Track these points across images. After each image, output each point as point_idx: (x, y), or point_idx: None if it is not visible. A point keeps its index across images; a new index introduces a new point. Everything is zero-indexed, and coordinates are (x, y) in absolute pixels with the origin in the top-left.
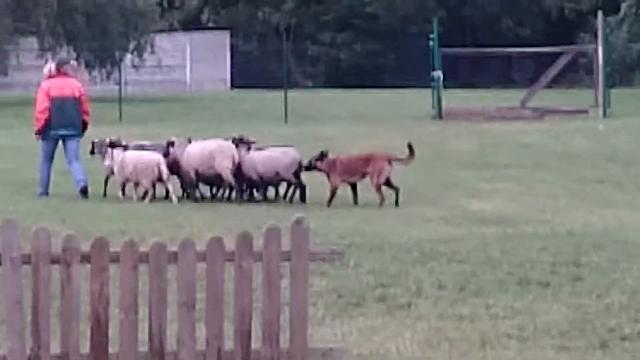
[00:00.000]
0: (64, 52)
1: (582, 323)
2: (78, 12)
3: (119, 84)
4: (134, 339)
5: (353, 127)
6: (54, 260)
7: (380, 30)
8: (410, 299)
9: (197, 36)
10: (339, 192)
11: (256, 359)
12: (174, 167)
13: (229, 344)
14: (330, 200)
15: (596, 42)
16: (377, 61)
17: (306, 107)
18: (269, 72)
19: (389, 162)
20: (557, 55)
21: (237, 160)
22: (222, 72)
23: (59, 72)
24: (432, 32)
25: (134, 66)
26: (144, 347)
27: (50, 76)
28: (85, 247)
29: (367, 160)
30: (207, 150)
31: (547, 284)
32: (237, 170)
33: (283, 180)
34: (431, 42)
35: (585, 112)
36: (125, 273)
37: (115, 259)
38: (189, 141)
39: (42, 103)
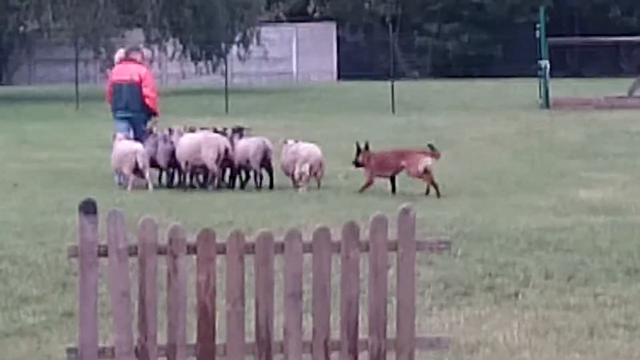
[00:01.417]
0: (170, 45)
1: None
2: (184, 5)
3: (225, 75)
4: (240, 330)
5: (460, 117)
6: (161, 252)
7: (487, 20)
8: (517, 289)
9: (303, 27)
10: (450, 182)
11: (363, 349)
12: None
13: (335, 334)
14: (362, 190)
15: None
16: (484, 51)
17: (413, 97)
18: (376, 63)
19: (425, 154)
20: None
21: (222, 150)
22: (328, 64)
23: (127, 58)
24: (539, 22)
25: (240, 58)
26: (250, 338)
27: (120, 61)
28: (192, 238)
29: (402, 154)
30: (195, 141)
31: None
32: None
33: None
34: (538, 32)
35: None
36: (231, 264)
37: (221, 250)
38: (191, 130)
39: (107, 87)
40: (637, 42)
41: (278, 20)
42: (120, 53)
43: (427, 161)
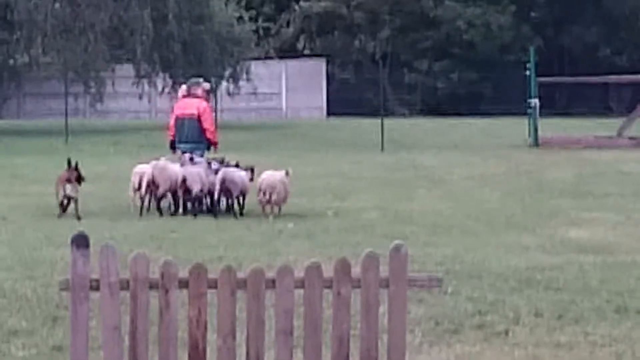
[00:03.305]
0: (160, 80)
1: None
2: (174, 40)
3: (215, 111)
4: None
5: (450, 156)
6: (152, 286)
7: (477, 58)
8: (507, 327)
9: (293, 64)
10: (440, 220)
11: None
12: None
13: None
14: None
15: None
16: (474, 89)
17: (403, 135)
18: (365, 100)
19: None
20: None
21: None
22: (318, 100)
23: (189, 93)
24: (529, 61)
25: (230, 93)
26: None
27: (183, 96)
28: (184, 273)
29: None
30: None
31: None
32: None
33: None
34: (528, 71)
35: None
36: (223, 299)
37: (213, 284)
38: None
39: (170, 121)
40: (626, 82)
41: (268, 57)
42: (183, 89)
43: None
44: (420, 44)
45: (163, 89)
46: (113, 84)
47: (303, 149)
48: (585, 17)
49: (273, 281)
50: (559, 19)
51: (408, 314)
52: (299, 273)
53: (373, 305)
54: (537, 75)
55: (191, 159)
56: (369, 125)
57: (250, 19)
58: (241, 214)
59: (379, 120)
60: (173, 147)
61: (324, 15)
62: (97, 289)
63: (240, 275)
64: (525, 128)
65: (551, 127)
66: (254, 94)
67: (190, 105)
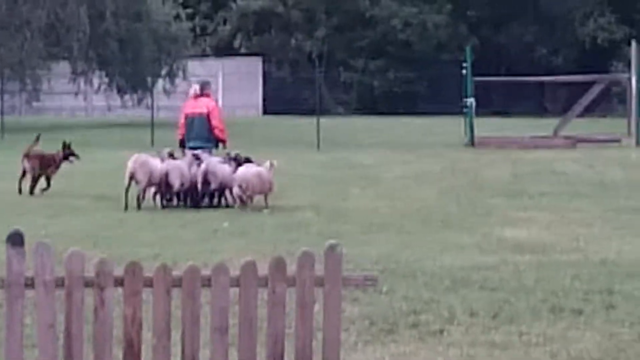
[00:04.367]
0: (96, 77)
1: (615, 351)
2: (111, 37)
3: (151, 109)
4: None
5: (386, 154)
6: (88, 284)
7: (413, 57)
8: (442, 326)
9: (230, 62)
10: (376, 219)
11: None
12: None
13: None
14: None
15: (629, 71)
16: (410, 88)
17: (338, 133)
18: (301, 98)
19: None
20: (591, 84)
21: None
22: (254, 99)
23: (202, 93)
24: (465, 60)
25: (166, 92)
26: None
27: (194, 97)
28: (119, 271)
29: None
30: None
31: (580, 312)
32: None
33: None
34: (464, 70)
35: (618, 141)
36: (158, 297)
37: (148, 283)
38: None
39: (180, 120)
40: (562, 82)
41: (204, 55)
42: (195, 89)
43: None
44: (357, 42)
45: (99, 86)
46: (49, 81)
47: (239, 147)
48: (522, 16)
49: (208, 279)
50: (496, 18)
51: (343, 312)
52: (235, 271)
53: (308, 304)
54: (474, 75)
55: (197, 158)
56: (305, 123)
57: (188, 17)
58: (219, 205)
59: (315, 119)
60: (183, 145)
61: (261, 13)
62: (32, 287)
63: (176, 273)
64: (461, 127)
65: (487, 126)
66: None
67: (200, 105)
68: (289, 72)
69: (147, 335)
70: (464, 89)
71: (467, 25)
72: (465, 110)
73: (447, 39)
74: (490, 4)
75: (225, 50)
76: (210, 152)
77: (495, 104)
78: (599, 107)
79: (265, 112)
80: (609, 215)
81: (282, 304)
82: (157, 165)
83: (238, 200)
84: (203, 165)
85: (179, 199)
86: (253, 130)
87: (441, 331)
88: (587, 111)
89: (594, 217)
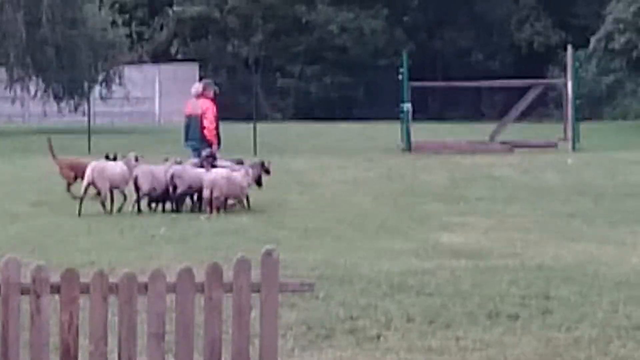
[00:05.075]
0: (32, 83)
1: (551, 356)
2: (47, 44)
3: (88, 115)
4: None
5: (322, 160)
6: (24, 291)
7: (350, 62)
8: (379, 331)
9: (166, 68)
10: (313, 224)
11: None
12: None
13: None
14: None
15: (565, 76)
16: (346, 94)
17: (275, 139)
18: (238, 104)
19: None
20: (527, 88)
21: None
22: None
23: (202, 94)
24: (402, 65)
25: (103, 98)
26: None
27: (196, 97)
28: (55, 277)
29: None
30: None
31: (517, 317)
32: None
33: None
34: (400, 75)
35: (554, 145)
36: (95, 304)
37: (85, 289)
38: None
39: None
40: (498, 87)
41: (141, 61)
42: (198, 88)
43: None
44: (293, 48)
45: (36, 92)
46: None
47: (176, 153)
48: (458, 21)
49: (145, 286)
50: (432, 23)
51: (280, 318)
52: (171, 278)
53: (244, 310)
54: (410, 80)
55: (212, 157)
56: (242, 129)
57: (124, 23)
58: (200, 209)
59: (251, 125)
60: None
61: (198, 19)
62: None
63: (113, 280)
64: (398, 132)
65: (424, 131)
66: (127, 98)
67: (197, 105)
68: (225, 77)
69: (83, 342)
70: (400, 94)
71: (403, 31)
72: (401, 115)
73: (383, 44)
74: (426, 9)
75: (162, 56)
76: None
77: (432, 109)
78: (535, 112)
79: None
80: (545, 220)
81: (218, 310)
82: (117, 170)
83: (207, 205)
84: (171, 170)
85: (162, 202)
86: None
87: (378, 337)
88: (524, 116)
89: (530, 222)
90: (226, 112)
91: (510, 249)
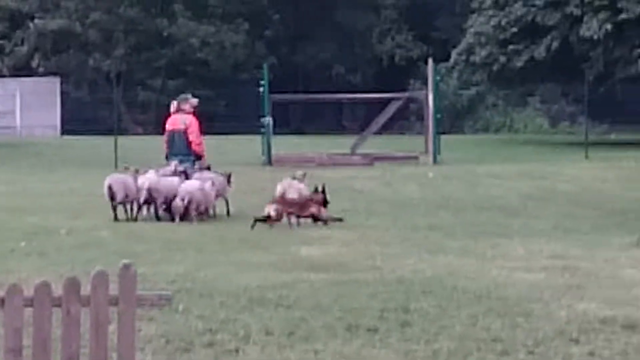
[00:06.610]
0: None
1: None
2: None
3: None
4: None
5: None
6: None
7: (211, 76)
8: (238, 345)
9: (27, 82)
10: (173, 238)
11: None
12: None
13: None
14: None
15: (426, 89)
16: (208, 108)
17: (137, 153)
18: (100, 118)
19: None
20: (388, 101)
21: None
22: (52, 119)
23: (178, 109)
24: (263, 79)
25: None
26: None
27: (173, 112)
28: None
29: None
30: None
31: (376, 330)
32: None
33: None
34: (261, 89)
35: (415, 158)
36: None
37: None
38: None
39: (165, 136)
40: (360, 100)
41: (2, 75)
42: (174, 105)
43: None
44: (155, 62)
45: None
46: None
47: (37, 167)
48: (319, 35)
49: (2, 300)
50: (294, 37)
51: (138, 332)
52: (29, 292)
53: (102, 324)
54: (271, 93)
55: (184, 172)
56: (104, 143)
57: None
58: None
59: (113, 139)
60: (167, 158)
61: (59, 33)
62: None
63: None
64: (259, 146)
65: (285, 144)
66: None
67: (179, 121)
68: (87, 91)
69: None
70: (261, 107)
71: (264, 44)
72: (262, 129)
73: (244, 58)
74: (287, 23)
75: (23, 70)
76: (193, 165)
77: (293, 122)
78: (396, 125)
79: (63, 132)
80: (405, 233)
81: (76, 324)
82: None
83: (177, 214)
84: (147, 182)
85: (125, 210)
86: (51, 150)
87: (237, 350)
88: (385, 129)
89: (391, 235)
90: (88, 126)
91: (370, 262)
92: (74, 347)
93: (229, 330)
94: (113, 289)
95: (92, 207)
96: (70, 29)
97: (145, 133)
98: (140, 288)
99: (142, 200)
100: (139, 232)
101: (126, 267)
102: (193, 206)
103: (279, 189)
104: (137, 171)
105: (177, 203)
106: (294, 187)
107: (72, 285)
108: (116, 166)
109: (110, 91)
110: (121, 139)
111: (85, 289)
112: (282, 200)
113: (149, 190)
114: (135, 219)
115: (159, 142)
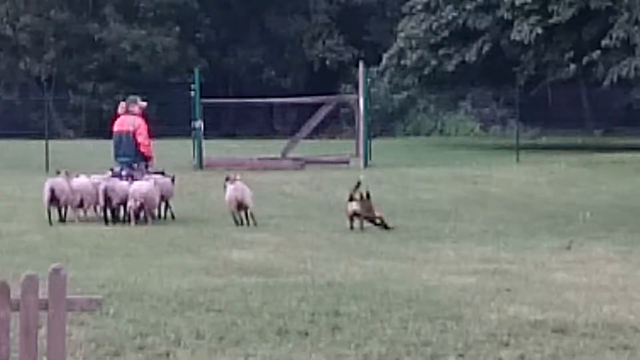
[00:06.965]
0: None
1: None
2: None
3: None
4: None
5: None
6: None
7: (142, 80)
8: (168, 349)
9: None
10: (104, 242)
11: None
12: None
13: None
14: None
15: (357, 93)
16: None
17: (67, 157)
18: (31, 122)
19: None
20: (319, 105)
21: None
22: None
23: (127, 111)
24: (194, 82)
25: None
26: None
27: (121, 114)
28: None
29: None
30: None
31: (307, 334)
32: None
33: None
34: (192, 92)
35: (346, 162)
36: None
37: None
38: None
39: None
40: (291, 104)
41: None
42: (121, 107)
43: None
44: (86, 66)
45: None
46: None
47: None
48: (250, 39)
49: None
50: (224, 40)
51: (69, 336)
52: None
53: (32, 328)
54: (202, 97)
55: (130, 176)
56: (34, 147)
57: None
58: (124, 220)
59: (44, 142)
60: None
61: None
62: None
63: None
64: (190, 150)
65: (216, 148)
66: None
67: (127, 122)
68: (17, 95)
69: None
70: (192, 111)
71: (196, 48)
72: (193, 132)
73: (175, 62)
74: (218, 27)
75: None
76: (138, 167)
77: (224, 126)
78: (328, 129)
79: None
80: (336, 237)
81: (6, 328)
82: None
83: (133, 215)
84: (103, 184)
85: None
86: None
87: (167, 354)
88: (316, 132)
89: (321, 239)
90: (18, 129)
91: (300, 265)
92: (4, 351)
93: (160, 334)
94: (43, 293)
95: (23, 210)
96: (0, 32)
97: (77, 137)
98: (70, 292)
99: (101, 201)
100: (70, 236)
101: (56, 271)
102: (147, 207)
103: (230, 193)
104: (67, 174)
105: (131, 204)
106: (246, 190)
107: (2, 289)
108: (47, 170)
109: (41, 95)
110: (52, 143)
111: (15, 293)
112: (360, 201)
113: (105, 192)
114: (65, 221)
115: (90, 146)
